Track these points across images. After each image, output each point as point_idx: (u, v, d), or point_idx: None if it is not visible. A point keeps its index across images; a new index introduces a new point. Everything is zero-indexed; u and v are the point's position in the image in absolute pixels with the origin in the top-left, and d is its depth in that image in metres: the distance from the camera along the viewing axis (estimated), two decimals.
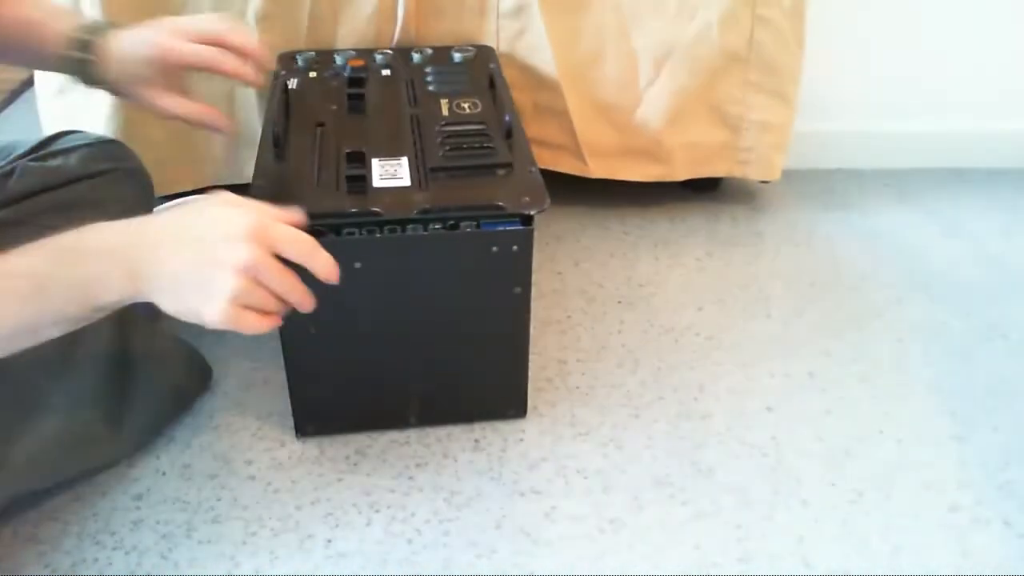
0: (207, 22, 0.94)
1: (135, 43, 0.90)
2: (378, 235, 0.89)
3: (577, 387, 1.11)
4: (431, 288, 0.94)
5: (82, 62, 0.90)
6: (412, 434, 1.03)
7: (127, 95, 0.94)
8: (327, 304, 0.91)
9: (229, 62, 0.91)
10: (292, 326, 0.92)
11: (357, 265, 0.90)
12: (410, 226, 0.89)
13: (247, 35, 0.93)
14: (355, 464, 0.99)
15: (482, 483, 0.97)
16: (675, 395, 1.10)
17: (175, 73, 0.92)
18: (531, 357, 1.14)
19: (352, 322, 0.94)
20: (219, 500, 0.94)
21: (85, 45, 0.90)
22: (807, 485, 0.98)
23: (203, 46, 0.90)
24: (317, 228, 0.87)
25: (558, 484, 0.97)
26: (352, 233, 0.88)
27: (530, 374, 1.11)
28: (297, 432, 1.02)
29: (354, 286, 0.91)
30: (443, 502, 0.95)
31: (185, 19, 0.95)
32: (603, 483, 0.97)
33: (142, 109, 0.94)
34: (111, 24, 0.92)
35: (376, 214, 0.88)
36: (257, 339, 1.12)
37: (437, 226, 0.90)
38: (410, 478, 0.97)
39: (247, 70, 0.92)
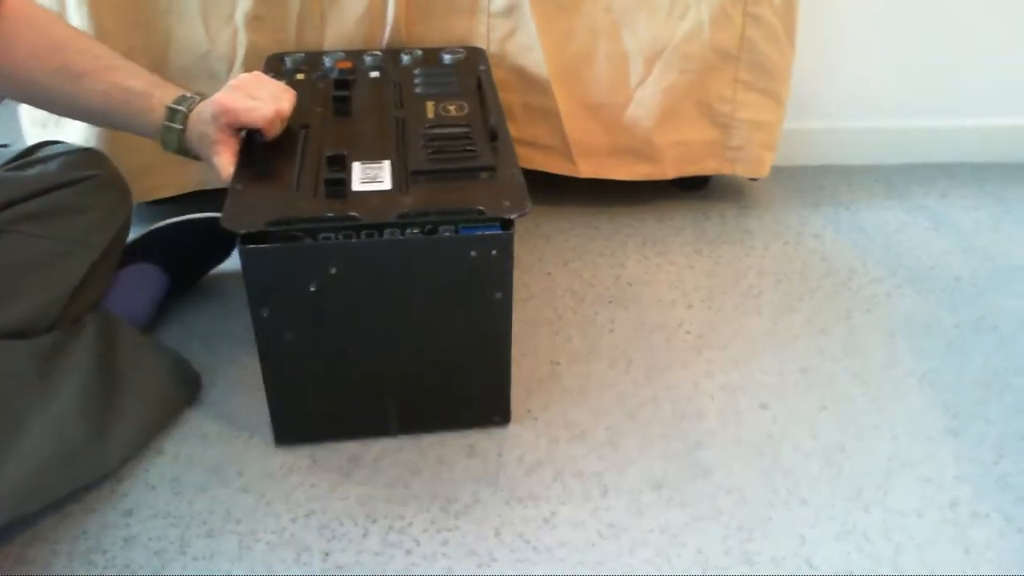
0: (272, 87, 0.99)
1: (204, 107, 0.95)
2: (355, 240, 0.87)
3: (570, 388, 1.10)
4: (409, 293, 0.92)
5: (174, 131, 0.96)
6: (405, 441, 1.01)
7: (205, 160, 0.97)
8: (304, 309, 0.90)
9: (275, 128, 0.97)
10: (269, 332, 0.91)
11: (333, 270, 0.88)
12: (388, 230, 0.88)
13: (292, 103, 1.00)
14: (348, 473, 0.97)
15: (479, 489, 0.96)
16: (669, 395, 1.09)
17: (234, 131, 0.96)
18: (523, 359, 1.14)
19: (329, 328, 0.93)
20: (212, 513, 0.93)
21: (176, 115, 0.95)
22: (805, 484, 0.97)
23: (260, 104, 0.95)
24: (294, 232, 0.86)
25: (556, 489, 0.96)
26: (329, 238, 0.87)
27: (522, 376, 1.11)
28: (277, 441, 1.01)
29: (331, 291, 0.90)
30: (440, 510, 0.93)
31: (253, 80, 0.99)
32: (601, 487, 0.96)
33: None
34: (200, 95, 0.97)
35: (353, 218, 0.87)
36: (243, 345, 1.12)
37: (415, 230, 0.88)
38: (405, 486, 0.96)
39: (277, 129, 0.98)
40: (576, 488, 0.96)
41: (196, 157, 0.99)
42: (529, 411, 1.06)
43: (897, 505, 0.95)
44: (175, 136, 0.96)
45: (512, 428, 1.03)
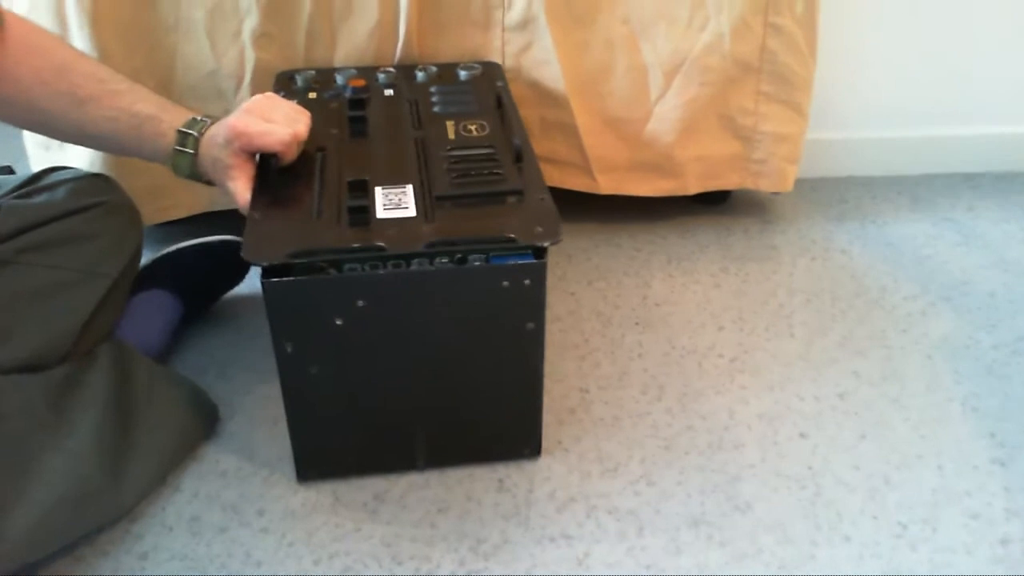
0: (287, 109, 0.95)
1: (217, 130, 0.91)
2: (382, 271, 0.83)
3: (601, 418, 1.06)
4: (438, 325, 0.88)
5: (186, 156, 0.93)
6: (432, 476, 0.97)
7: (219, 185, 0.94)
8: (330, 343, 0.86)
9: (292, 152, 0.93)
10: (293, 367, 0.87)
11: (360, 303, 0.84)
12: (416, 260, 0.84)
13: (308, 125, 0.96)
14: (373, 511, 0.93)
15: (509, 528, 0.92)
16: (704, 424, 1.05)
17: (249, 155, 0.93)
18: (551, 386, 1.10)
19: (356, 362, 0.89)
20: (231, 556, 0.89)
21: (187, 139, 0.92)
22: (848, 519, 0.93)
23: (275, 128, 0.90)
24: (318, 264, 0.82)
25: (589, 527, 0.92)
26: (355, 269, 0.83)
27: (551, 405, 1.07)
28: (299, 477, 0.97)
29: (358, 324, 0.86)
30: (469, 551, 0.89)
31: (266, 102, 0.94)
32: (637, 524, 0.92)
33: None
34: (211, 117, 0.94)
35: (380, 248, 0.83)
36: (260, 374, 1.08)
37: (444, 260, 0.84)
38: (432, 525, 0.92)
39: (294, 153, 0.94)
40: (611, 526, 0.92)
41: (209, 182, 0.96)
42: (560, 443, 1.02)
43: (945, 542, 0.91)
44: (187, 161, 0.93)
45: (543, 461, 0.99)
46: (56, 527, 0.85)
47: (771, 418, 1.06)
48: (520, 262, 0.85)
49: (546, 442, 1.01)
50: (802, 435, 1.04)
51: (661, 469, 0.99)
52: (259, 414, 1.05)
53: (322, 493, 0.95)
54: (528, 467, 0.99)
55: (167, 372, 1.05)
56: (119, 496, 0.91)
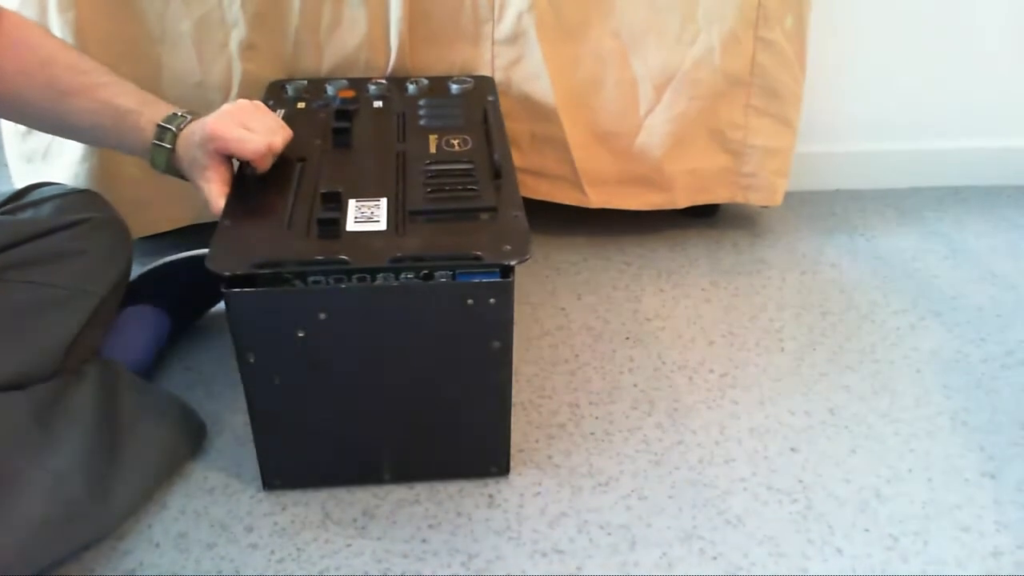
0: (268, 120, 0.94)
1: (195, 128, 0.90)
2: (344, 285, 0.83)
3: (592, 433, 1.06)
4: (403, 341, 0.87)
5: (164, 151, 0.92)
6: (422, 491, 0.97)
7: (193, 184, 0.93)
8: (292, 355, 0.85)
9: (265, 163, 0.93)
10: (256, 377, 0.87)
11: (323, 316, 0.84)
12: (381, 275, 0.83)
13: (286, 139, 0.96)
14: (363, 527, 0.93)
15: (500, 543, 0.91)
16: (695, 438, 1.05)
17: (225, 158, 0.92)
18: (542, 402, 1.10)
19: (319, 374, 0.88)
20: (219, 573, 0.88)
21: (165, 134, 0.91)
22: (840, 532, 0.93)
23: (252, 136, 0.90)
24: (283, 275, 0.81)
25: (581, 542, 0.91)
26: (318, 282, 0.82)
27: (542, 421, 1.07)
28: (264, 486, 0.96)
29: (320, 337, 0.85)
30: (460, 567, 0.89)
31: (251, 109, 0.94)
32: (629, 539, 0.92)
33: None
34: (193, 114, 0.93)
35: (343, 262, 0.82)
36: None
37: (409, 275, 0.83)
38: (423, 540, 0.91)
39: (267, 164, 0.94)
40: (602, 540, 0.92)
41: (184, 177, 0.95)
42: (550, 458, 1.01)
43: (937, 555, 0.91)
44: (164, 156, 0.92)
45: (534, 476, 0.99)
46: (41, 546, 0.83)
47: (762, 433, 1.06)
48: (485, 280, 0.84)
49: (537, 457, 1.01)
50: (793, 449, 1.04)
51: (652, 483, 0.99)
52: (247, 430, 1.03)
53: (311, 509, 0.94)
54: (519, 482, 0.98)
55: (154, 389, 1.04)
56: (105, 514, 0.90)
